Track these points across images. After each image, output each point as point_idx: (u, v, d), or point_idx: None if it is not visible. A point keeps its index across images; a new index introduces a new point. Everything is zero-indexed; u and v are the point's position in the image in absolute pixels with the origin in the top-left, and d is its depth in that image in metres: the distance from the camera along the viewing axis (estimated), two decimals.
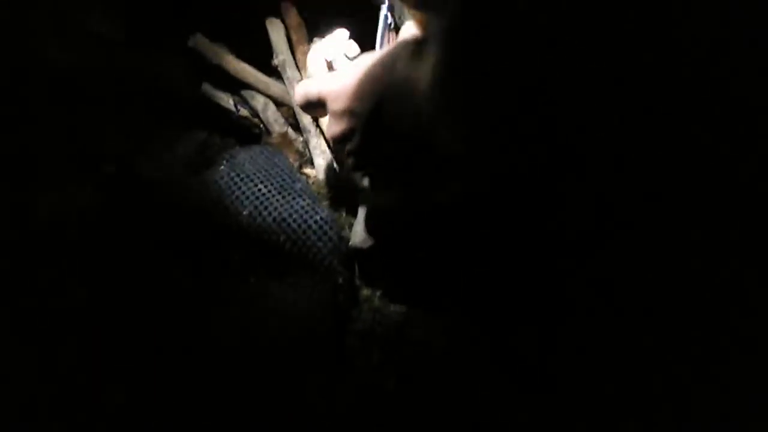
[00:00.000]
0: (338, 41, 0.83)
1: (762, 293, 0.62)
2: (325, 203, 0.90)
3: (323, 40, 0.87)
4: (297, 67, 1.02)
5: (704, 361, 0.65)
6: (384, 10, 0.83)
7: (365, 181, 0.79)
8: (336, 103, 0.71)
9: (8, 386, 0.72)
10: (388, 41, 0.83)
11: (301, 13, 1.06)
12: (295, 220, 0.82)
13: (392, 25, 0.84)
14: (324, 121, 0.97)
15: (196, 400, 0.76)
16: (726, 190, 0.62)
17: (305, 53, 1.02)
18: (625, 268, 0.69)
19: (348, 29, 0.84)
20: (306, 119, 0.98)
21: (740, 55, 0.56)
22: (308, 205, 0.84)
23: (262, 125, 1.02)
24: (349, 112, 0.70)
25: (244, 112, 1.02)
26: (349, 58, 0.81)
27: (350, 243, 0.83)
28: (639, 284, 0.68)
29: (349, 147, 0.72)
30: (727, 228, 0.63)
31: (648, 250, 0.67)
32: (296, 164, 0.96)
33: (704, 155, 0.61)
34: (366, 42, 0.82)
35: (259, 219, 0.83)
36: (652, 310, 0.68)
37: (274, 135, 0.99)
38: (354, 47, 0.81)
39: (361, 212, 0.84)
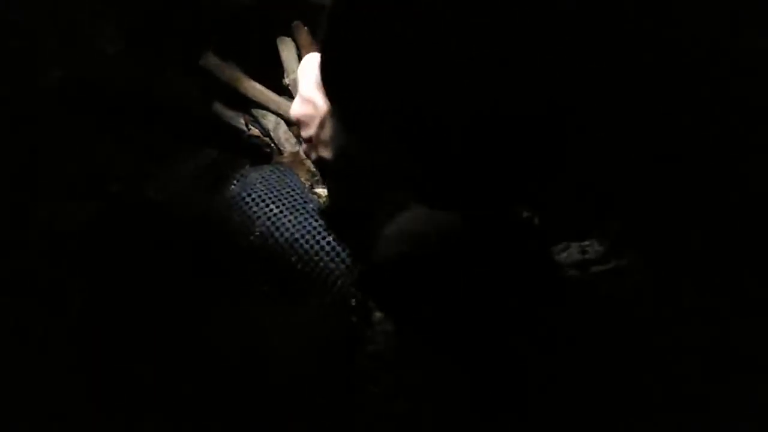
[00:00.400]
0: None
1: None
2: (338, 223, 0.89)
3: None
4: None
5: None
6: None
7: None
8: (305, 131, 0.69)
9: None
10: None
11: (312, 32, 1.06)
12: (307, 241, 0.82)
13: None
14: None
15: (202, 421, 0.75)
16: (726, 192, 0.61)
17: None
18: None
19: None
20: None
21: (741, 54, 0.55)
22: (320, 225, 0.84)
23: (273, 144, 1.01)
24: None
25: (255, 131, 1.01)
26: None
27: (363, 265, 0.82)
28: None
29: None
30: (729, 230, 0.62)
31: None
32: (308, 184, 0.96)
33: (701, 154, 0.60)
34: None
35: (270, 239, 0.82)
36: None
37: (286, 154, 0.99)
38: None
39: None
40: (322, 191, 0.96)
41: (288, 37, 1.05)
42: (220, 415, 0.77)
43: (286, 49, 1.04)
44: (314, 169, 0.98)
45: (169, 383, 0.77)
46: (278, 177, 0.91)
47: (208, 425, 0.76)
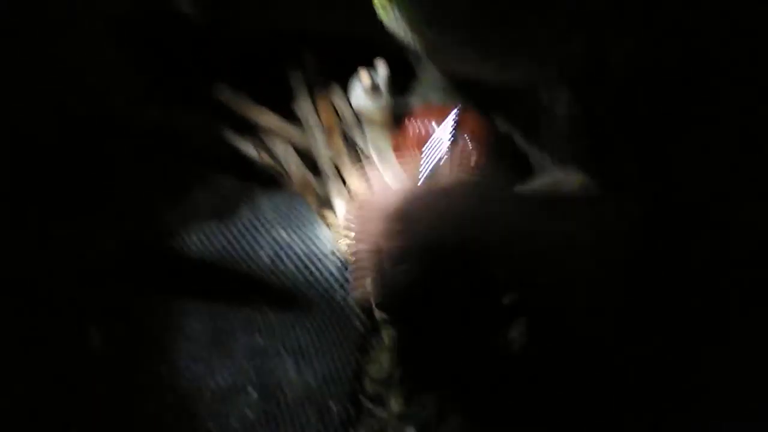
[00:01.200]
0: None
1: None
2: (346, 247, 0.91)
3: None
4: (316, 113, 1.04)
5: None
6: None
7: None
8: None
9: None
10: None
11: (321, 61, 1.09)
12: (316, 267, 0.83)
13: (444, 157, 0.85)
14: (348, 167, 1.00)
15: None
16: None
17: (325, 98, 1.04)
18: None
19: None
20: (326, 164, 1.00)
21: None
22: (328, 250, 0.85)
23: (282, 170, 1.03)
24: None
25: (265, 157, 1.03)
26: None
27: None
28: None
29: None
30: None
31: None
32: (316, 208, 0.97)
33: None
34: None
35: (280, 264, 0.84)
36: None
37: (295, 180, 1.01)
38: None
39: None
40: (329, 216, 0.98)
41: (297, 66, 1.08)
42: None
43: (296, 78, 1.07)
44: (322, 195, 1.00)
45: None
46: (287, 202, 0.93)
47: None
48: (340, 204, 0.97)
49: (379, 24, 0.80)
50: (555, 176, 0.83)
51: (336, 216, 0.97)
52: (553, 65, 0.74)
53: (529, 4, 0.63)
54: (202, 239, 0.90)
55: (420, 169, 0.85)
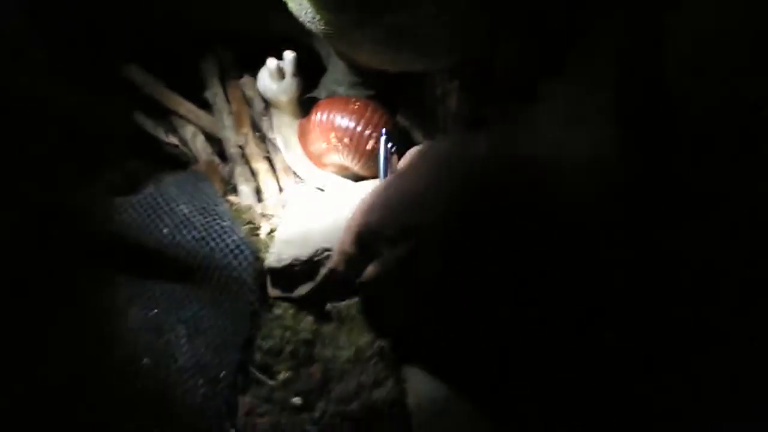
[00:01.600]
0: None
1: None
2: (245, 227, 0.94)
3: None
4: (226, 99, 1.08)
5: None
6: (383, 137, 0.86)
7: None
8: (390, 227, 0.63)
9: None
10: (391, 167, 0.85)
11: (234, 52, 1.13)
12: (213, 239, 0.86)
13: (393, 150, 0.86)
14: (254, 153, 1.03)
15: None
16: None
17: (236, 87, 1.08)
18: None
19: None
20: (233, 149, 1.03)
21: None
22: (227, 226, 0.88)
23: (190, 154, 1.06)
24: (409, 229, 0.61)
25: (173, 140, 1.06)
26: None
27: (266, 262, 0.86)
28: None
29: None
30: None
31: None
32: (221, 191, 1.00)
33: None
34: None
35: (179, 237, 0.87)
36: None
37: (202, 163, 1.04)
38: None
39: (278, 236, 0.88)
40: (234, 198, 1.01)
41: (210, 52, 1.12)
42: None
43: (208, 64, 1.10)
44: (228, 177, 1.03)
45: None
46: (192, 182, 0.96)
47: None
48: (245, 188, 1.01)
49: (293, 18, 0.84)
50: None
51: (240, 199, 1.01)
52: (440, 59, 0.80)
53: None
54: (105, 214, 0.91)
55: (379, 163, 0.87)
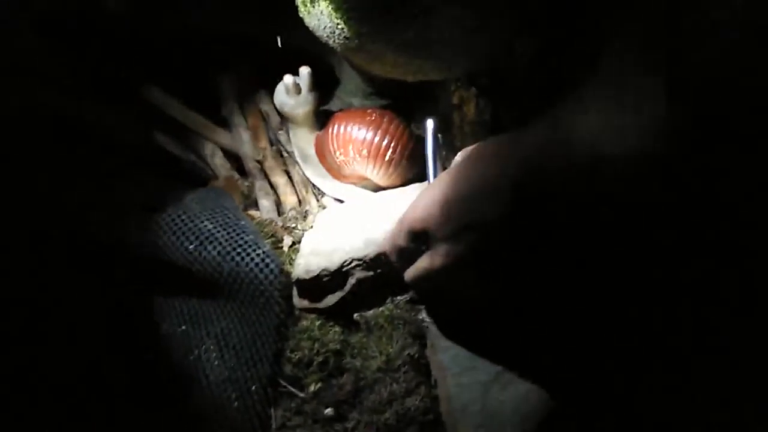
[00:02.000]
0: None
1: None
2: (268, 240, 0.94)
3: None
4: (243, 115, 1.09)
5: None
6: (430, 129, 0.84)
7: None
8: (446, 223, 0.62)
9: None
10: (441, 163, 0.84)
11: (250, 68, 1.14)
12: (238, 254, 0.87)
13: (441, 143, 0.86)
14: (273, 167, 1.04)
15: None
16: None
17: (252, 102, 1.09)
18: None
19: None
20: (251, 164, 1.04)
21: None
22: (252, 239, 0.89)
23: (210, 170, 1.07)
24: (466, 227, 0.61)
25: (192, 158, 1.07)
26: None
27: (293, 274, 0.87)
28: None
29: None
30: None
31: None
32: (242, 206, 1.01)
33: None
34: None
35: (204, 253, 0.87)
36: None
37: (221, 179, 1.05)
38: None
39: (304, 248, 0.89)
40: (255, 213, 1.02)
41: (226, 71, 1.13)
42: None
43: (225, 81, 1.11)
44: (248, 192, 1.04)
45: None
46: (213, 198, 0.97)
47: None
48: (265, 202, 1.02)
49: (306, 32, 0.85)
50: None
51: (261, 213, 1.01)
52: (460, 66, 0.81)
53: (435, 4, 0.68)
54: (127, 234, 0.92)
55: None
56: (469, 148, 0.69)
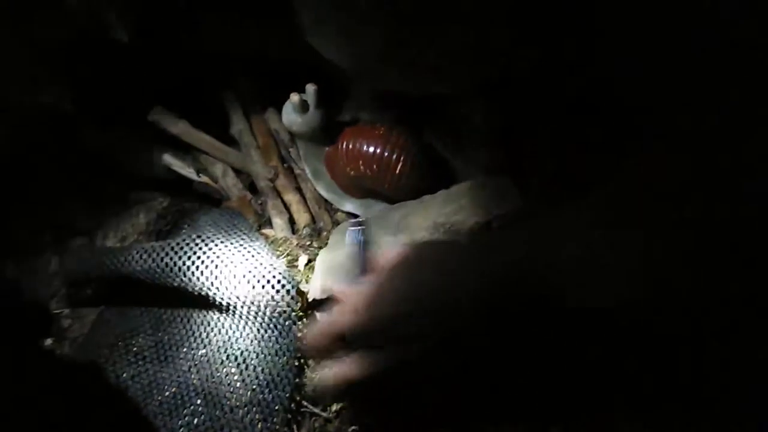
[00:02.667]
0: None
1: None
2: (284, 259, 0.95)
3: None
4: (252, 134, 1.09)
5: None
6: (356, 231, 0.81)
7: None
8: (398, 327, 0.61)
9: None
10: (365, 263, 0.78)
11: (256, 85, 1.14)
12: (254, 276, 0.87)
13: (365, 244, 0.82)
14: (285, 185, 1.04)
15: None
16: None
17: (261, 121, 1.09)
18: None
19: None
20: (263, 183, 1.05)
21: None
22: (266, 260, 0.89)
23: (222, 191, 1.07)
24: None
25: (204, 178, 1.07)
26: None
27: (309, 293, 0.87)
28: None
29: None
30: None
31: None
32: (255, 225, 1.01)
33: None
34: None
35: (220, 276, 0.87)
36: None
37: (234, 199, 1.05)
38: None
39: (319, 267, 0.89)
40: (269, 231, 1.02)
41: (232, 90, 1.13)
42: None
43: (232, 102, 1.12)
44: (261, 211, 1.05)
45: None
46: (227, 219, 0.97)
47: None
48: (278, 221, 1.02)
49: (311, 48, 0.85)
50: (477, 181, 0.89)
51: (275, 232, 1.02)
52: (466, 78, 0.80)
53: (438, 21, 0.68)
54: (143, 257, 0.92)
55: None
56: (401, 249, 0.66)
